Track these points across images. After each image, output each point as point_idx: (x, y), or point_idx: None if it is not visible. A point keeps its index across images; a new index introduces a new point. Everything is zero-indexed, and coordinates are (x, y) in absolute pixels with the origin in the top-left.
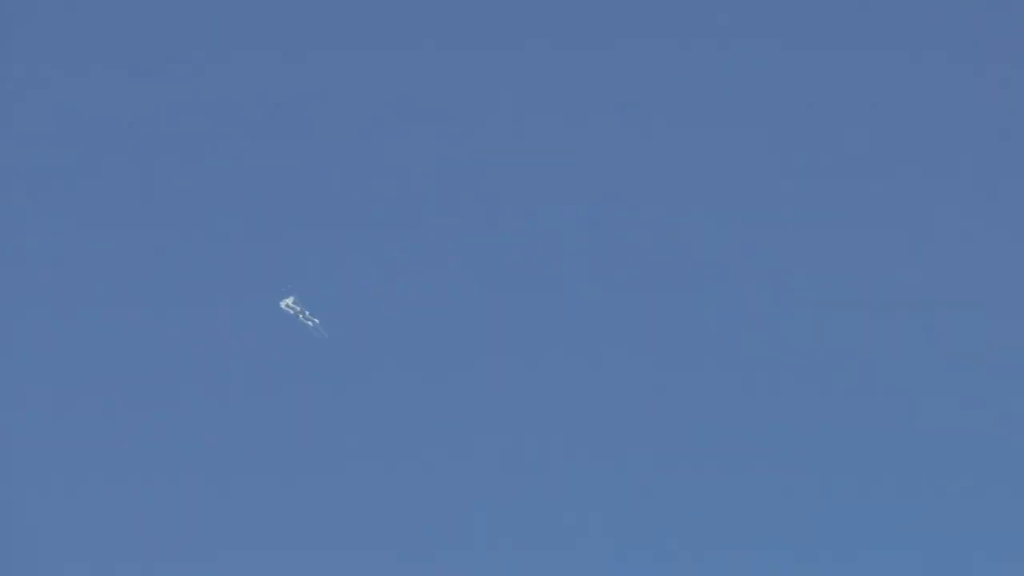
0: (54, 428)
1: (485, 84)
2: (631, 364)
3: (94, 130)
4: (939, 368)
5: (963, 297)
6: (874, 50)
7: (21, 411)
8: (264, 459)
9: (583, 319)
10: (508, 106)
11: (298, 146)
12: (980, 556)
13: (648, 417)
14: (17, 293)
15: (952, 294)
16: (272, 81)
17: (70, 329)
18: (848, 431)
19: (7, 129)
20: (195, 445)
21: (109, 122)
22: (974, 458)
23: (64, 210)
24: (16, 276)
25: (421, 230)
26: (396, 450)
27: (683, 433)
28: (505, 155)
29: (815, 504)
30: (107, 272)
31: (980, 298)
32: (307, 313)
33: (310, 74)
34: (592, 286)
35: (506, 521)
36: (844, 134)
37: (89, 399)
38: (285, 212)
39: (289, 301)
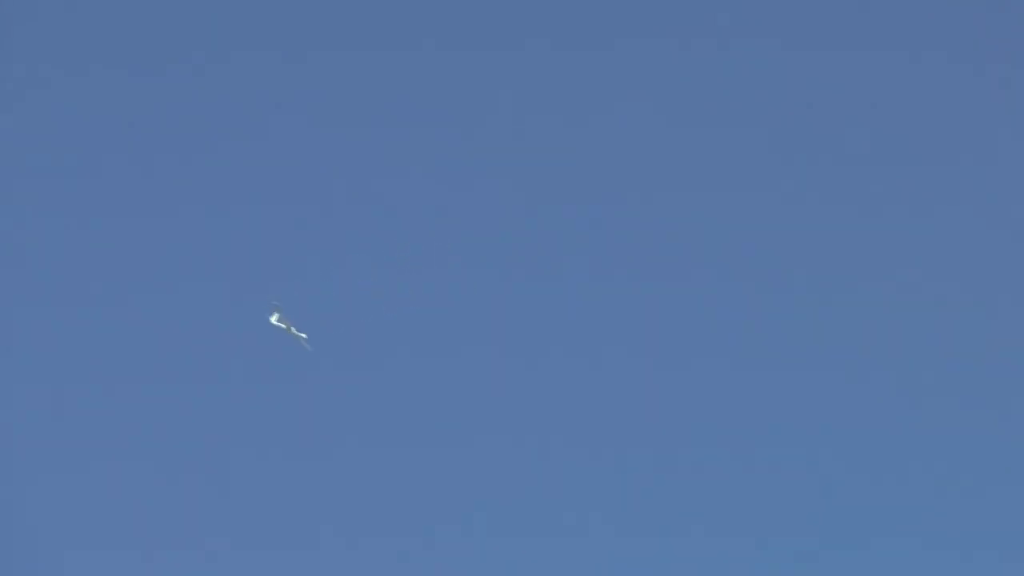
0: (53, 428)
1: (485, 84)
2: (630, 364)
3: (94, 130)
4: (938, 367)
5: (963, 297)
6: (874, 50)
7: (21, 410)
8: (263, 456)
9: (582, 319)
10: (508, 106)
11: (298, 146)
12: (980, 556)
13: (648, 415)
14: (17, 293)
15: (952, 294)
16: (272, 81)
17: (70, 329)
18: (848, 430)
19: (7, 129)
20: (195, 445)
21: (109, 122)
22: (974, 457)
23: (64, 210)
24: (16, 276)
25: (421, 230)
26: (395, 448)
27: (683, 430)
28: (505, 155)
29: (815, 503)
30: (107, 272)
31: (980, 298)
32: (295, 329)
33: (310, 74)
34: (592, 286)
35: (505, 520)
36: (844, 134)
37: (89, 399)
38: (285, 212)
39: (274, 319)
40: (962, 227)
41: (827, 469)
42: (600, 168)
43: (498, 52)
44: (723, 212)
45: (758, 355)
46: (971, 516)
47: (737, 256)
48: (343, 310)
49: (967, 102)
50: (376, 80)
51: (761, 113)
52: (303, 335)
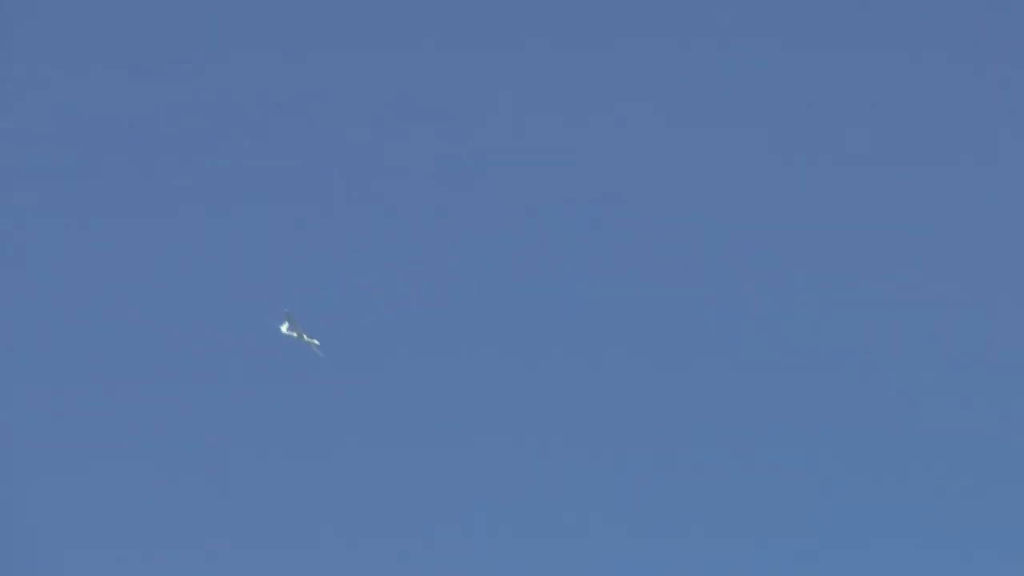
0: (53, 428)
1: (485, 84)
2: (630, 364)
3: (94, 130)
4: (939, 367)
5: (963, 297)
6: (874, 50)
7: (21, 410)
8: (264, 456)
9: (583, 319)
10: (508, 106)
11: (298, 146)
12: (980, 556)
13: (648, 415)
14: (17, 293)
15: (952, 294)
16: (272, 81)
17: (70, 329)
18: (848, 430)
19: (7, 129)
20: (194, 445)
21: (109, 122)
22: (974, 457)
23: (64, 210)
24: (16, 276)
25: (421, 230)
26: (395, 448)
27: (683, 430)
28: (505, 155)
29: (815, 503)
30: (107, 272)
31: (980, 298)
32: (306, 336)
33: (310, 74)
34: (592, 286)
35: (506, 520)
36: (844, 134)
37: (89, 399)
38: (285, 212)
39: (285, 327)
40: (962, 227)
41: (827, 469)
42: (600, 168)
43: (498, 52)
44: (723, 212)
45: (758, 355)
46: (971, 516)
47: (737, 256)
48: (342, 310)
49: (967, 102)
50: (376, 80)
51: (761, 113)
52: (315, 341)
